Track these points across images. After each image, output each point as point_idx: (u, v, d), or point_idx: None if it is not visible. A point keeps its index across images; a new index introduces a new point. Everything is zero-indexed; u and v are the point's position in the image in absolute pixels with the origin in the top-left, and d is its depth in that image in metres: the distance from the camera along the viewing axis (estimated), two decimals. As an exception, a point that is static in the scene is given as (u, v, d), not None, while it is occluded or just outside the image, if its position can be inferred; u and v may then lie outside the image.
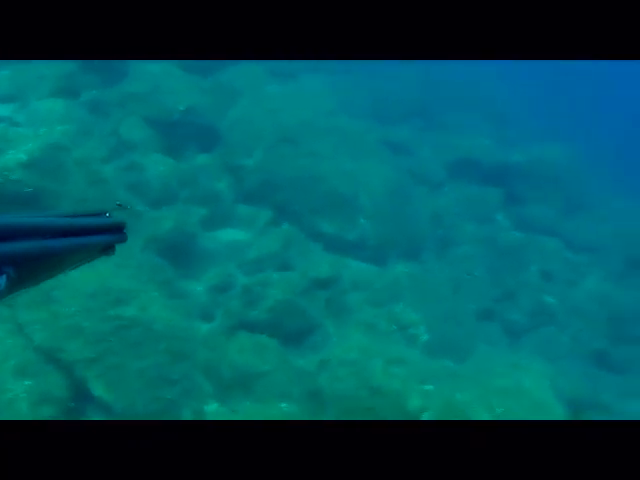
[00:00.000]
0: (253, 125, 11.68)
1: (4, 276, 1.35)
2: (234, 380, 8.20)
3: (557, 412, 7.42)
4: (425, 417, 7.97)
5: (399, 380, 8.43)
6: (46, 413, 6.69)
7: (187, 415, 7.47)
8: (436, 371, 8.94)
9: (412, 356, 9.48)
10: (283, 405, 7.97)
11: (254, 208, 10.63)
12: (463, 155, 15.50)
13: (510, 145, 15.89)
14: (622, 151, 19.99)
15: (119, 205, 1.96)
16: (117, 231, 1.88)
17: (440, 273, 12.01)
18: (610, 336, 11.63)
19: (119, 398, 7.34)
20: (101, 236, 1.82)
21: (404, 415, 7.85)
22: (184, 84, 11.75)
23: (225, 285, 9.50)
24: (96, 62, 10.58)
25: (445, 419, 7.56)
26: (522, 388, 7.99)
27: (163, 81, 11.55)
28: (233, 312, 9.08)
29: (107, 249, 1.87)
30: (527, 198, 14.46)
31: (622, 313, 12.06)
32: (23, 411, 6.60)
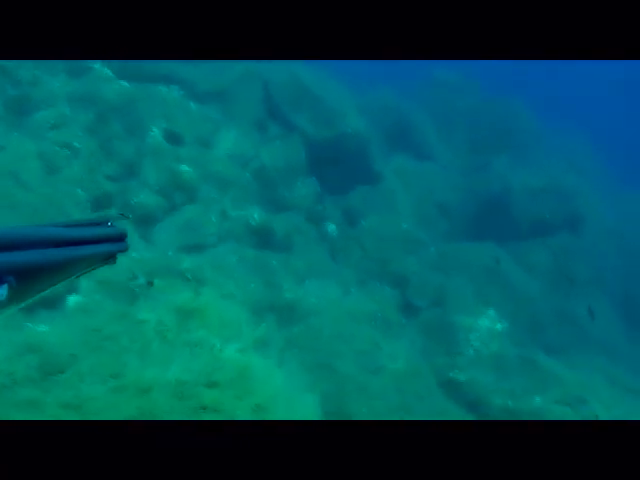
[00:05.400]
0: None
1: (5, 285, 1.31)
2: None
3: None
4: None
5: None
6: None
7: None
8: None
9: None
10: None
11: None
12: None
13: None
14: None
15: (121, 215, 2.01)
16: (119, 240, 1.90)
17: (20, 148, 7.72)
18: (267, 202, 9.25)
19: None
20: (103, 245, 1.83)
21: None
22: None
23: None
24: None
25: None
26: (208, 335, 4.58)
27: None
28: None
29: (109, 258, 1.86)
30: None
31: (272, 173, 9.72)
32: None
